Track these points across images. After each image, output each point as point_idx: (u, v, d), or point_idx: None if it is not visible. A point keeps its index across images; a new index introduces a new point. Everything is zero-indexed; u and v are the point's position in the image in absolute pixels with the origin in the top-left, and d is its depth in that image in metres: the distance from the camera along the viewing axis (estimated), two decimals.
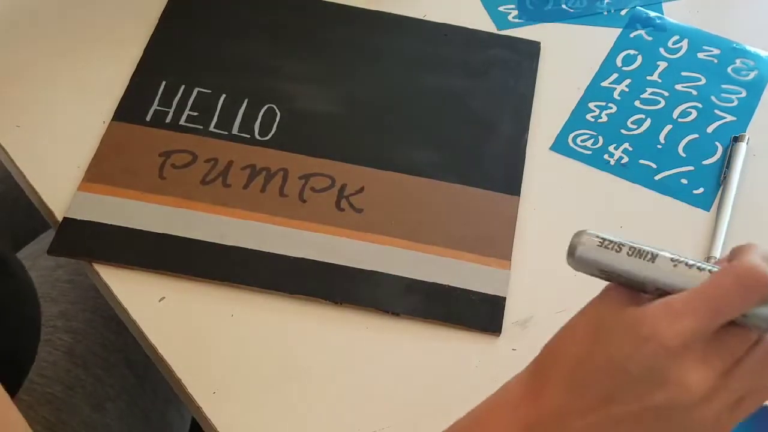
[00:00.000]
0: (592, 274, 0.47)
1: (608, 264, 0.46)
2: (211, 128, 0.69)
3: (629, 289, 0.46)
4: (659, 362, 0.42)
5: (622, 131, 0.73)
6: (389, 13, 0.78)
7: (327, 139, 0.69)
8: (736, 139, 0.72)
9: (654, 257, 0.45)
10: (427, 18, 0.78)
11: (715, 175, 0.71)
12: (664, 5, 0.82)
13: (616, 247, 0.46)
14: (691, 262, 0.44)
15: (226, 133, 0.69)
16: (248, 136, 0.69)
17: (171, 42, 0.74)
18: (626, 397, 0.43)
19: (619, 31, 0.80)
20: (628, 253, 0.45)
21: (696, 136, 0.73)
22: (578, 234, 0.46)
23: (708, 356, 0.43)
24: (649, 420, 0.44)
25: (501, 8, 0.80)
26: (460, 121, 0.72)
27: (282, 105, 0.71)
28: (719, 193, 0.69)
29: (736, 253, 0.44)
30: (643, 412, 0.43)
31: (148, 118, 0.69)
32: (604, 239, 0.46)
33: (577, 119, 0.73)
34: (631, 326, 0.43)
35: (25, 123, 0.69)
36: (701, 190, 0.70)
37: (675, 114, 0.74)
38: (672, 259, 0.45)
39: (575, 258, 0.46)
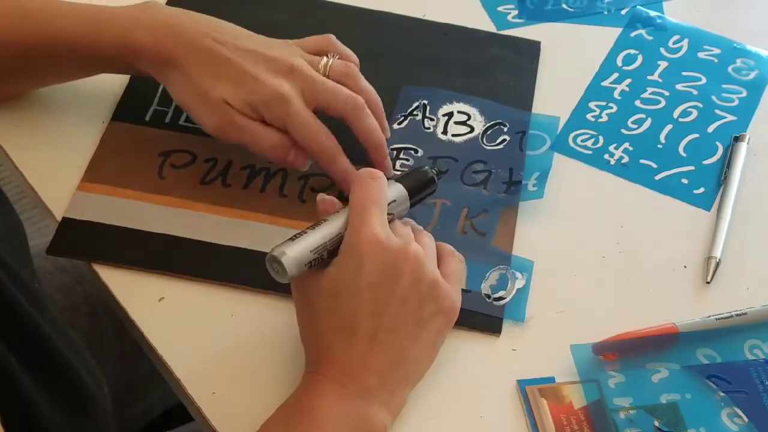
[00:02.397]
0: (307, 268, 0.54)
1: (313, 242, 0.54)
2: None
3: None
4: (384, 252, 0.53)
5: (623, 131, 0.73)
6: (389, 13, 0.78)
7: None
8: (737, 139, 0.72)
9: (324, 220, 0.55)
10: (427, 18, 0.78)
11: (715, 174, 0.70)
12: (665, 4, 0.82)
13: (300, 235, 0.54)
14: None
15: None
16: None
17: None
18: (385, 297, 0.53)
19: (619, 30, 0.80)
20: (309, 229, 0.55)
21: (696, 135, 0.73)
22: (273, 252, 0.53)
23: (396, 229, 0.56)
24: (411, 305, 0.54)
25: (500, 8, 0.80)
26: None
27: None
28: (720, 192, 0.69)
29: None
30: (403, 302, 0.53)
31: (147, 118, 0.69)
32: (289, 239, 0.54)
33: (577, 119, 0.73)
34: (344, 253, 0.53)
35: (24, 123, 0.69)
36: (702, 189, 0.70)
37: (675, 114, 0.74)
38: (331, 217, 0.56)
39: (289, 267, 0.53)
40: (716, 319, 0.61)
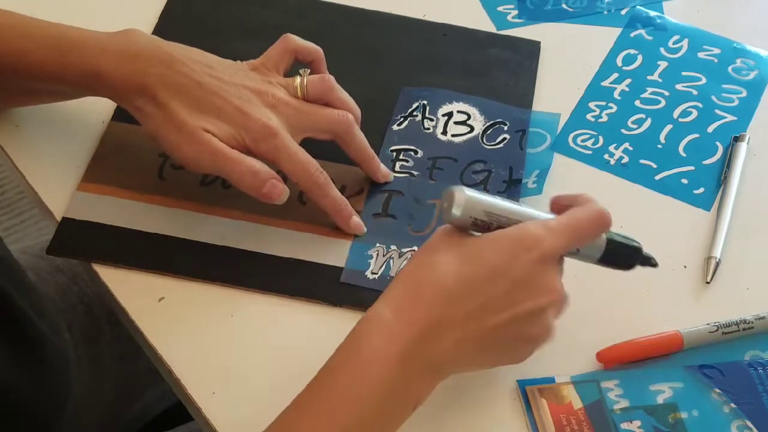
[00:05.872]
0: (472, 221, 0.52)
1: (491, 205, 0.52)
2: None
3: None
4: (537, 269, 0.51)
5: (623, 131, 0.73)
6: (389, 13, 0.78)
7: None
8: (737, 139, 0.72)
9: (508, 199, 0.54)
10: (427, 18, 0.78)
11: (715, 174, 0.70)
12: (665, 4, 0.82)
13: (489, 194, 0.53)
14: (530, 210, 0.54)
15: None
16: None
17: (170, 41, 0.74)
18: (502, 305, 0.51)
19: (619, 30, 0.80)
20: (502, 198, 0.53)
21: (696, 135, 0.73)
22: (457, 189, 0.52)
23: (560, 273, 0.54)
24: (514, 326, 0.51)
25: (500, 8, 0.80)
26: None
27: None
28: (719, 192, 0.69)
29: (577, 201, 0.55)
30: (513, 318, 0.51)
31: None
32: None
33: (577, 119, 0.73)
34: (515, 239, 0.51)
35: (24, 123, 0.69)
36: (701, 189, 0.70)
37: (675, 114, 0.74)
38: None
39: (464, 204, 0.51)
40: (723, 333, 0.60)
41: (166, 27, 0.75)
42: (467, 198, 0.51)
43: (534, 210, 0.54)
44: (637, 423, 0.57)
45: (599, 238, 0.55)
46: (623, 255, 0.57)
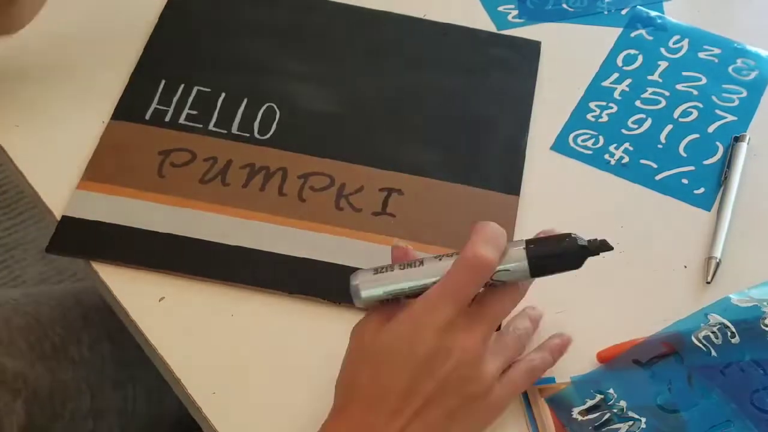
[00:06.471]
0: (381, 300, 0.53)
1: (390, 284, 0.52)
2: (211, 127, 0.69)
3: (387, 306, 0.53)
4: (437, 339, 0.50)
5: (623, 131, 0.73)
6: (389, 12, 0.78)
7: (326, 138, 0.69)
8: (737, 139, 0.72)
9: (421, 261, 0.53)
10: (427, 18, 0.78)
11: (715, 175, 0.70)
12: (665, 5, 0.82)
13: (388, 268, 0.53)
14: (450, 253, 0.52)
15: (226, 131, 0.69)
16: (247, 135, 0.69)
17: (170, 41, 0.74)
18: (423, 381, 0.50)
19: (619, 30, 0.80)
20: (399, 267, 0.53)
21: (697, 135, 0.73)
22: (353, 276, 0.53)
23: (471, 325, 0.51)
24: (448, 396, 0.51)
25: (500, 8, 0.80)
26: (460, 121, 0.72)
27: (281, 104, 0.71)
28: (720, 193, 0.69)
29: (471, 233, 0.52)
30: (441, 388, 0.50)
31: (147, 117, 0.69)
32: (376, 268, 0.53)
33: (577, 119, 0.73)
34: (404, 322, 0.51)
35: (24, 122, 0.69)
36: (702, 190, 0.70)
37: (676, 114, 0.74)
38: (435, 256, 0.53)
39: (361, 297, 0.53)
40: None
41: (166, 27, 0.75)
42: (364, 298, 0.53)
43: (435, 264, 0.52)
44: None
45: (520, 260, 0.52)
46: (558, 261, 0.52)
